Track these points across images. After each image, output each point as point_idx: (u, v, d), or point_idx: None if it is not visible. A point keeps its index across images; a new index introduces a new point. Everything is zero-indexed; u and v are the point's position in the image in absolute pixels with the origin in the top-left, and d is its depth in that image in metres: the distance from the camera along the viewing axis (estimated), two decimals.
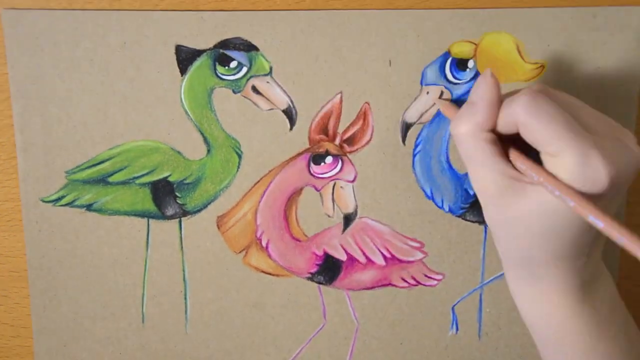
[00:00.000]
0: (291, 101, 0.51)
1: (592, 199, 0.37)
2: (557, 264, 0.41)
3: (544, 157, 0.39)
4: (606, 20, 0.49)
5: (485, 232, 0.53)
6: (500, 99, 0.41)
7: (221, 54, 0.50)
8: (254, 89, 0.51)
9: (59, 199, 0.52)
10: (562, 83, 0.50)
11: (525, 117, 0.39)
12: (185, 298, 0.54)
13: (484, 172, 0.40)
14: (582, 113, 0.40)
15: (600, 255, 0.44)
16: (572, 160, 0.37)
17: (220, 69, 0.50)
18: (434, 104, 0.51)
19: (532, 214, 0.39)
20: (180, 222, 0.53)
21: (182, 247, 0.53)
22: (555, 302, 0.42)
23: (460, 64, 0.50)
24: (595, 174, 0.37)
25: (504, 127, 0.41)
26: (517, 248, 0.42)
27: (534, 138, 0.39)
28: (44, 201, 0.52)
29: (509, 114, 0.40)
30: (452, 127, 0.42)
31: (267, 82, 0.50)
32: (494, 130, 0.41)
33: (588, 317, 0.43)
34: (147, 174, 0.52)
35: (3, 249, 0.55)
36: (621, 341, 0.44)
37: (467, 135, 0.41)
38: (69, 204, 0.52)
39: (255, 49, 0.50)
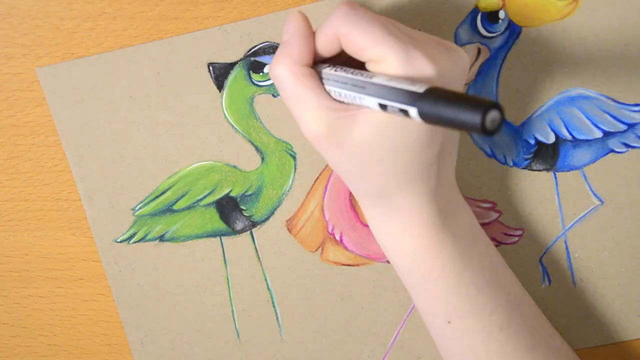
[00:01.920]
0: None
1: None
2: (410, 189, 0.43)
3: (369, 66, 0.41)
4: None
5: (556, 177, 0.55)
6: (312, 32, 0.43)
7: (253, 61, 0.53)
8: None
9: (132, 236, 0.56)
10: (600, 11, 0.51)
11: (345, 27, 0.40)
12: (274, 306, 0.58)
13: (310, 112, 0.42)
14: (399, 25, 0.42)
15: (454, 182, 0.46)
16: (396, 60, 0.39)
17: (255, 77, 0.53)
18: (474, 62, 0.53)
19: (369, 139, 0.41)
20: (251, 233, 0.56)
21: (259, 258, 0.57)
22: (415, 233, 0.45)
23: (491, 17, 0.52)
24: (420, 71, 0.38)
25: (325, 47, 0.42)
26: (366, 181, 0.44)
27: (356, 46, 0.40)
28: (117, 242, 0.56)
29: (329, 30, 0.41)
30: (270, 72, 0.44)
31: None
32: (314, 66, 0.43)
33: (450, 246, 0.45)
34: (209, 194, 0.55)
35: (3, 249, 0.58)
36: (486, 270, 0.47)
37: (285, 73, 0.42)
38: (142, 239, 0.56)
39: None
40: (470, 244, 0.46)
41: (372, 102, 0.39)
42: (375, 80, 0.39)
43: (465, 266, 0.45)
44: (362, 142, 0.41)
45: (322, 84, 0.43)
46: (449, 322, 0.47)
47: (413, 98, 0.36)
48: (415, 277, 0.47)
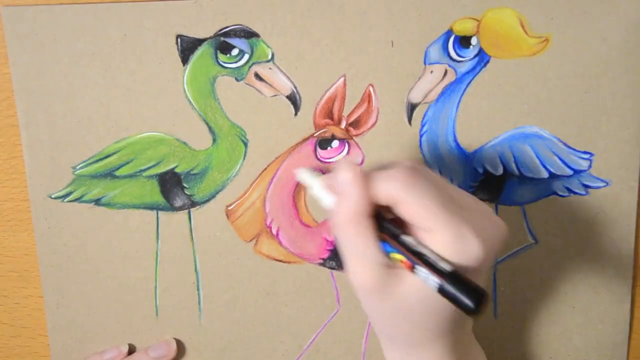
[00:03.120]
0: (294, 86, 0.54)
1: (466, 272, 0.40)
2: (436, 341, 0.45)
3: (418, 233, 0.42)
4: None
5: (497, 210, 0.56)
6: (366, 180, 0.43)
7: (222, 42, 0.54)
8: (257, 75, 0.54)
9: (67, 194, 0.56)
10: (568, 55, 0.54)
11: (402, 194, 0.41)
12: (198, 289, 0.58)
13: (364, 264, 0.43)
14: (451, 190, 0.44)
15: (471, 329, 0.48)
16: (448, 235, 0.40)
17: (221, 57, 0.54)
18: (438, 83, 0.54)
19: (412, 298, 0.42)
20: (189, 213, 0.57)
21: (192, 238, 0.57)
22: None
23: (464, 41, 0.53)
24: (469, 247, 0.40)
25: (379, 200, 0.43)
26: (398, 332, 0.45)
27: (409, 214, 0.42)
28: (52, 197, 0.56)
29: (386, 189, 0.42)
30: (334, 219, 0.44)
31: (270, 69, 0.54)
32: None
33: None
34: (153, 166, 0.56)
35: (3, 249, 0.59)
36: None
37: (345, 224, 0.43)
38: (77, 200, 0.56)
39: (256, 35, 0.53)
40: None
41: (426, 277, 0.41)
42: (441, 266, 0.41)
43: None
44: (404, 299, 0.42)
45: (380, 240, 0.44)
46: None
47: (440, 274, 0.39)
48: None
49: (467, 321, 0.47)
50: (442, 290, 0.39)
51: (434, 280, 0.39)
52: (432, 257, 0.40)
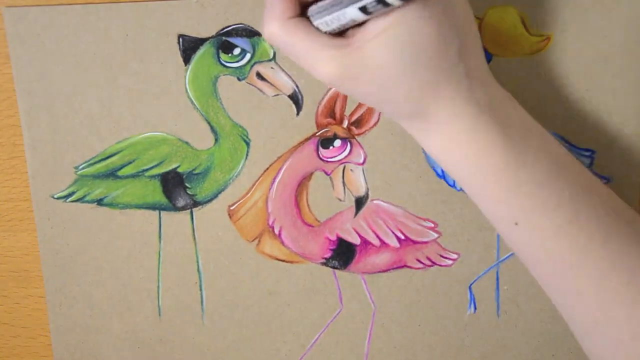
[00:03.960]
0: (297, 86, 0.55)
1: None
2: (441, 98, 0.42)
3: None
4: None
5: None
6: None
7: (224, 41, 0.54)
8: (259, 75, 0.55)
9: (70, 195, 0.57)
10: (569, 53, 0.54)
11: None
12: (201, 289, 0.58)
13: (317, 58, 0.42)
14: None
15: (490, 77, 0.45)
16: None
17: (223, 57, 0.54)
18: None
19: (381, 63, 0.40)
20: (191, 213, 0.57)
21: (194, 238, 0.58)
22: (462, 141, 0.43)
23: None
24: None
25: None
26: (396, 104, 0.43)
27: None
28: (54, 198, 0.57)
29: None
30: (264, 35, 0.44)
31: (272, 68, 0.54)
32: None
33: (500, 146, 0.43)
34: (156, 166, 0.56)
35: (3, 249, 0.59)
36: (543, 163, 0.44)
37: (279, 31, 0.42)
38: (80, 200, 0.57)
39: (258, 34, 0.54)
40: (522, 138, 0.44)
41: (354, 12, 0.40)
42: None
43: (520, 164, 0.43)
44: (376, 68, 0.41)
45: (316, 27, 0.43)
46: (515, 223, 0.45)
47: None
48: (474, 185, 0.45)
49: (471, 62, 0.43)
50: None
51: None
52: None
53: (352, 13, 0.40)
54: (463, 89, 0.42)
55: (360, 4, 0.39)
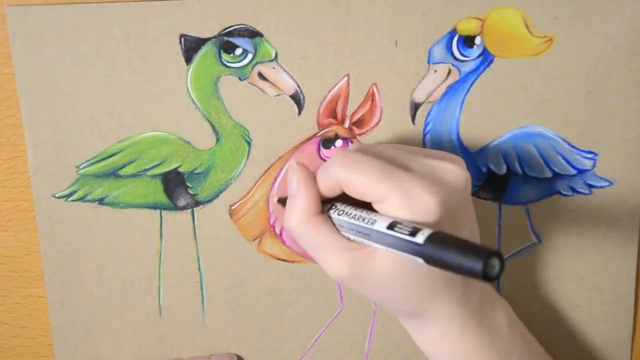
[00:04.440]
0: (298, 86, 0.55)
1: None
2: (437, 304, 0.45)
3: (375, 207, 0.43)
4: None
5: (500, 209, 0.57)
6: (314, 181, 0.46)
7: (226, 41, 0.54)
8: (260, 75, 0.55)
9: (71, 194, 0.57)
10: (571, 55, 0.54)
11: (343, 175, 0.44)
12: (202, 288, 0.59)
13: (331, 257, 0.44)
14: (396, 156, 0.45)
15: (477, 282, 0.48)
16: (398, 199, 0.41)
17: (225, 57, 0.54)
18: (442, 82, 0.55)
19: (389, 271, 0.43)
20: (192, 212, 0.57)
21: (195, 238, 0.58)
22: (452, 340, 0.46)
23: (467, 41, 0.54)
24: (423, 206, 0.41)
25: (328, 191, 0.45)
26: (396, 304, 0.46)
27: (357, 192, 0.43)
28: (56, 197, 0.57)
29: (329, 177, 0.45)
30: (285, 226, 0.47)
31: (273, 68, 0.55)
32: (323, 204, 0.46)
33: (488, 346, 0.47)
34: (157, 165, 0.56)
35: (3, 249, 0.59)
36: None
37: (301, 226, 0.45)
38: (81, 199, 0.57)
39: (260, 34, 0.54)
40: (508, 339, 0.48)
41: (380, 247, 0.42)
42: (378, 228, 0.42)
43: None
44: (384, 274, 0.43)
45: (335, 226, 0.45)
46: None
47: (415, 248, 0.39)
48: None
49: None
50: (430, 262, 0.38)
51: (417, 255, 0.39)
52: (398, 234, 0.40)
53: (377, 246, 0.42)
54: (459, 295, 0.45)
55: (388, 249, 0.41)
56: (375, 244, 0.42)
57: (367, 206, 0.44)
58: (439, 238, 0.38)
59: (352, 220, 0.44)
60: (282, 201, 0.52)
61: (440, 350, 0.47)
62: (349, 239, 0.45)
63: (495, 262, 0.36)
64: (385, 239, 0.41)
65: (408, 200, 0.41)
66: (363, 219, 0.43)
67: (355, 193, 0.44)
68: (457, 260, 0.36)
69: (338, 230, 0.45)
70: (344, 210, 0.45)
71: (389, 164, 0.43)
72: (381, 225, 0.41)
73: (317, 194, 0.46)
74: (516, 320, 0.51)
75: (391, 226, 0.41)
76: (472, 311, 0.46)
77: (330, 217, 0.46)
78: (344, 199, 0.45)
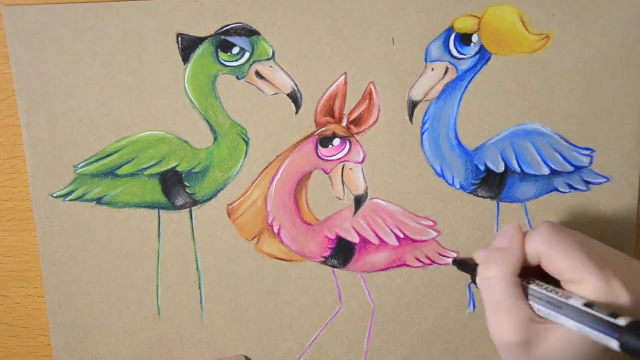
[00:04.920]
0: (296, 85, 0.55)
1: None
2: None
3: (565, 286, 0.44)
4: None
5: (498, 207, 0.57)
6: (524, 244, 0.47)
7: (223, 40, 0.54)
8: (258, 74, 0.55)
9: (69, 193, 0.57)
10: (568, 52, 0.54)
11: (548, 249, 0.44)
12: (200, 288, 0.59)
13: (510, 322, 0.44)
14: (594, 245, 0.46)
15: None
16: (596, 286, 0.42)
17: (222, 56, 0.55)
18: (440, 80, 0.55)
19: (556, 353, 0.43)
20: (190, 211, 0.57)
21: (194, 237, 0.58)
22: None
23: (465, 39, 0.54)
24: (616, 298, 0.42)
25: (526, 259, 0.46)
26: None
27: (556, 268, 0.44)
28: (54, 197, 0.57)
29: (531, 246, 0.45)
30: (480, 271, 0.47)
31: (271, 67, 0.55)
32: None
33: None
34: (155, 165, 0.56)
35: (3, 249, 0.59)
36: None
37: (498, 280, 0.46)
38: (79, 199, 0.57)
39: (257, 33, 0.54)
40: None
41: (571, 324, 0.43)
42: (574, 303, 0.43)
43: None
44: (548, 354, 0.44)
45: (525, 293, 0.46)
46: None
47: (614, 329, 0.40)
48: None
49: None
50: (627, 347, 0.40)
51: (613, 337, 0.40)
52: (597, 312, 0.41)
53: (568, 323, 0.43)
54: None
55: (580, 327, 0.42)
56: (564, 318, 0.43)
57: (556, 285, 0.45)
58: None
59: (549, 293, 0.44)
60: (459, 264, 0.54)
61: None
62: (533, 310, 0.45)
63: None
64: (579, 315, 0.42)
65: (606, 289, 0.42)
66: (557, 293, 0.44)
67: (552, 269, 0.45)
68: None
69: (527, 302, 0.45)
70: (537, 282, 0.46)
71: (591, 250, 0.44)
72: (578, 302, 0.42)
73: (523, 259, 0.46)
74: None
75: (588, 305, 0.42)
76: None
77: (525, 287, 0.46)
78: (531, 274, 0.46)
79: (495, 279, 0.46)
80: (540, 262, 0.46)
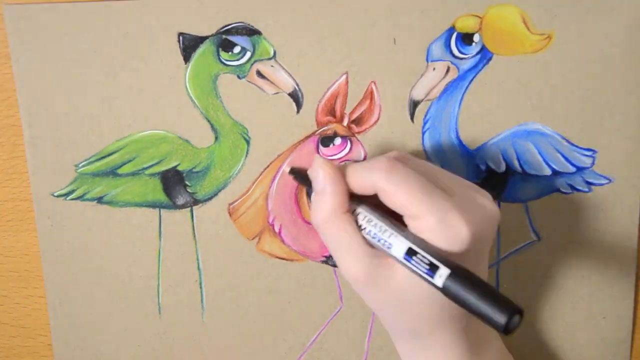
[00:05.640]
0: (297, 84, 0.55)
1: (455, 258, 0.41)
2: (442, 330, 0.45)
3: (406, 220, 0.44)
4: None
5: (499, 207, 0.57)
6: (343, 179, 0.45)
7: (224, 39, 0.54)
8: (259, 73, 0.55)
9: (70, 192, 0.57)
10: (570, 52, 0.54)
11: (384, 184, 0.43)
12: (201, 287, 0.59)
13: (352, 259, 0.44)
14: (438, 176, 0.45)
15: None
16: (433, 221, 0.42)
17: (223, 55, 0.55)
18: (441, 80, 0.55)
19: (404, 287, 0.43)
20: (191, 211, 0.57)
21: (195, 236, 0.58)
22: None
23: (466, 39, 0.54)
24: (456, 233, 0.41)
25: (359, 190, 0.45)
26: (399, 322, 0.46)
27: (394, 203, 0.43)
28: (54, 196, 0.57)
29: (365, 180, 0.44)
30: (312, 221, 0.47)
31: (272, 66, 0.55)
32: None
33: None
34: (156, 164, 0.56)
35: (3, 249, 0.59)
36: None
37: (325, 223, 0.45)
38: (80, 198, 0.57)
39: (258, 32, 0.54)
40: None
41: (400, 257, 0.42)
42: (395, 252, 0.42)
43: None
44: (397, 288, 0.43)
45: (358, 225, 0.45)
46: None
47: (435, 281, 0.40)
48: None
49: None
50: (449, 295, 0.39)
51: (437, 280, 0.40)
52: (429, 253, 0.41)
53: (397, 256, 0.42)
54: (461, 327, 0.46)
55: (409, 267, 0.42)
56: (395, 254, 0.43)
57: (394, 214, 0.44)
58: (462, 276, 0.39)
59: (376, 231, 0.44)
60: (295, 173, 0.51)
61: None
62: (370, 244, 0.45)
63: (517, 319, 0.37)
64: (404, 261, 0.42)
65: (443, 224, 0.41)
66: (390, 232, 0.43)
67: (390, 203, 0.44)
68: (479, 307, 0.38)
69: (362, 236, 0.45)
70: (370, 217, 0.45)
71: (430, 183, 0.43)
72: (401, 248, 0.42)
73: (346, 192, 0.45)
74: (506, 353, 0.51)
75: (410, 252, 0.42)
76: (470, 343, 0.47)
77: (356, 218, 0.45)
78: (370, 199, 0.45)
79: (322, 224, 0.45)
80: (378, 195, 0.44)
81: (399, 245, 0.42)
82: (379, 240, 0.44)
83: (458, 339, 0.46)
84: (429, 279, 0.40)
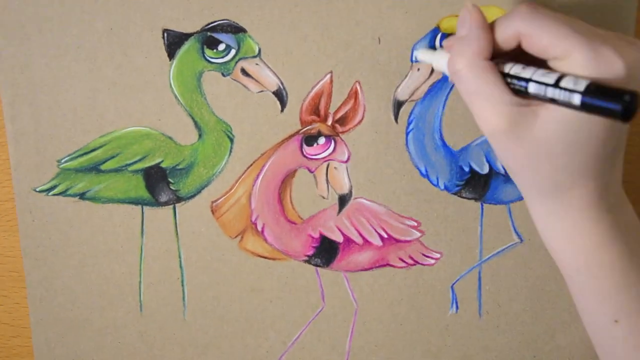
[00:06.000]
0: (281, 82, 0.55)
1: None
2: (584, 185, 0.43)
3: (552, 64, 0.41)
4: None
5: (482, 209, 0.57)
6: (489, 26, 0.44)
7: (209, 36, 0.54)
8: (243, 71, 0.55)
9: (52, 188, 0.57)
10: None
11: (528, 27, 0.41)
12: (183, 285, 0.59)
13: (491, 107, 0.42)
14: (579, 22, 0.42)
15: (620, 178, 0.46)
16: (584, 55, 0.39)
17: (208, 52, 0.54)
18: (425, 81, 0.55)
19: (550, 135, 0.41)
20: (174, 208, 0.57)
21: (177, 234, 0.58)
22: (587, 232, 0.44)
23: None
24: (609, 66, 0.39)
25: (502, 44, 0.43)
26: (540, 177, 0.43)
27: (538, 46, 0.41)
28: (36, 191, 0.57)
29: (508, 29, 0.42)
30: (449, 67, 0.44)
31: (256, 64, 0.55)
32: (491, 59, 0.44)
33: (620, 243, 0.44)
34: (139, 160, 0.56)
35: (3, 249, 0.60)
36: None
37: (467, 68, 0.43)
38: (62, 193, 0.57)
39: (243, 30, 0.54)
40: (637, 239, 0.45)
41: (559, 94, 0.40)
42: (552, 76, 0.40)
43: (634, 263, 0.44)
44: (542, 137, 0.41)
45: (501, 74, 0.43)
46: (615, 321, 0.45)
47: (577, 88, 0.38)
48: (584, 276, 0.45)
49: (617, 161, 0.44)
50: (585, 104, 0.37)
51: (575, 96, 0.38)
52: (566, 77, 0.39)
53: (560, 95, 0.40)
54: (603, 185, 0.43)
55: (579, 98, 0.39)
56: (552, 90, 0.40)
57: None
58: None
59: (520, 69, 0.42)
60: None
61: (571, 246, 0.45)
62: (515, 93, 0.42)
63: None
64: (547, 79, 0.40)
65: (594, 59, 0.39)
66: (534, 71, 0.41)
67: (535, 48, 0.41)
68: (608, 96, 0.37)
69: (505, 84, 0.42)
70: (513, 64, 0.43)
71: (575, 19, 0.41)
72: (550, 79, 0.40)
73: (491, 40, 0.43)
74: (637, 223, 0.47)
75: (560, 78, 0.39)
76: (610, 204, 0.44)
77: (499, 68, 0.43)
78: (514, 58, 0.43)
79: (463, 69, 0.43)
80: (521, 43, 0.42)
81: (546, 79, 0.40)
82: (526, 82, 0.41)
83: (599, 198, 0.43)
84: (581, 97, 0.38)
